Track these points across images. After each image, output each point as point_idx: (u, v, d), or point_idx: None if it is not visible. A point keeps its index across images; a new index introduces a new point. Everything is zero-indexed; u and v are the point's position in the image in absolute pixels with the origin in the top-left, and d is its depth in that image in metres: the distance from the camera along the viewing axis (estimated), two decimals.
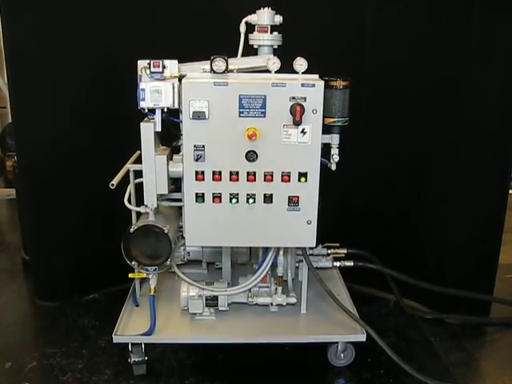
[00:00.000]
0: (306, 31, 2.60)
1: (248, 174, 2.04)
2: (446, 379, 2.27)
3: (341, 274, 2.75)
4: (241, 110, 1.98)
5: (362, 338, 2.23)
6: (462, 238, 2.66)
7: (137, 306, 2.42)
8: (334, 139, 2.10)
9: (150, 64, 2.03)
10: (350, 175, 2.69)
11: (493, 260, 2.68)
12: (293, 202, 2.07)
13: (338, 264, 2.60)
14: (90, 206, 2.74)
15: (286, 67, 2.08)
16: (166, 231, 2.19)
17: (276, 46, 2.28)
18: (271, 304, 2.34)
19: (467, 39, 2.42)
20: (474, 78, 2.44)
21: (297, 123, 1.97)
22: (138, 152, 2.45)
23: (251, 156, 2.02)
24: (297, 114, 1.94)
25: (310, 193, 2.07)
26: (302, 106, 1.95)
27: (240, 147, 2.01)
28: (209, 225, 2.09)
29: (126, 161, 2.35)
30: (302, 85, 1.96)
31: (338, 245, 2.69)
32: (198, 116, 1.97)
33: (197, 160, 2.01)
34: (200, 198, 2.06)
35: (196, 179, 2.04)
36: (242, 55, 2.29)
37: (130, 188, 2.31)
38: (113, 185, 2.12)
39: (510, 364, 2.42)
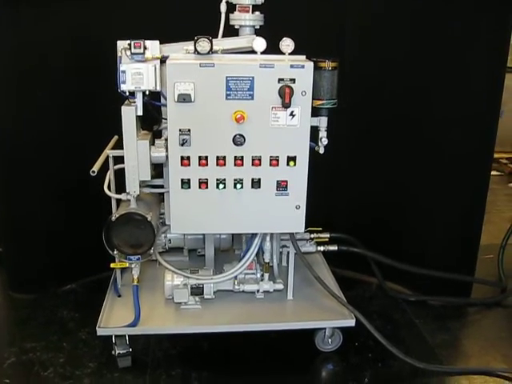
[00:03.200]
0: (288, 11, 2.53)
1: (235, 158, 1.98)
2: (432, 361, 2.28)
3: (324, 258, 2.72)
4: (228, 93, 1.91)
5: (351, 322, 2.21)
6: (443, 220, 2.67)
7: (119, 296, 2.34)
8: (322, 122, 2.05)
9: (130, 45, 1.94)
10: (334, 159, 2.65)
11: (474, 242, 2.70)
12: (281, 186, 2.02)
13: (321, 248, 2.56)
14: (64, 195, 2.63)
15: (271, 48, 2.02)
16: (149, 218, 2.12)
17: (258, 27, 2.21)
18: (257, 291, 2.30)
19: (449, 28, 2.39)
20: (455, 66, 2.42)
21: (286, 105, 1.91)
22: (116, 137, 2.37)
23: (239, 140, 1.95)
24: (286, 96, 1.89)
25: (298, 177, 2.02)
26: (291, 88, 1.90)
27: (227, 131, 1.95)
28: (195, 212, 2.03)
29: (102, 146, 2.25)
30: (291, 66, 1.91)
31: (320, 229, 2.65)
32: (184, 99, 1.90)
33: (182, 145, 1.94)
34: (186, 184, 1.99)
35: (181, 165, 1.97)
36: (222, 36, 2.21)
37: (110, 175, 2.21)
38: (94, 172, 2.03)
39: (492, 343, 2.45)
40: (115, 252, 2.17)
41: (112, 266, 2.23)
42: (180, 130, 1.93)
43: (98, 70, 2.36)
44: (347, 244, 2.65)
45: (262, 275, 2.32)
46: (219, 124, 1.93)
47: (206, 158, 1.96)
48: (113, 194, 2.20)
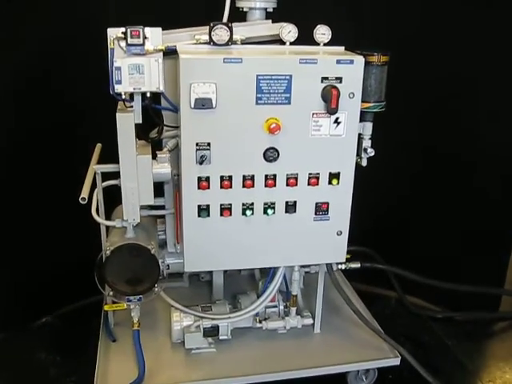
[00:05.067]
0: None
1: (266, 177, 1.59)
2: None
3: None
4: (259, 96, 1.50)
5: (396, 361, 1.89)
6: (470, 229, 2.40)
7: (113, 341, 1.91)
8: (367, 129, 1.68)
9: (126, 33, 1.50)
10: None
11: (504, 253, 2.43)
12: (321, 209, 1.65)
13: (342, 267, 2.20)
14: (34, 213, 2.18)
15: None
16: (152, 251, 1.69)
17: (271, 9, 1.82)
18: (284, 327, 1.93)
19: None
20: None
21: (332, 111, 1.52)
22: (99, 145, 1.92)
23: (271, 155, 1.55)
24: (333, 99, 1.50)
25: (342, 198, 1.65)
26: (337, 90, 1.50)
27: (257, 144, 1.55)
28: (215, 245, 1.63)
29: (82, 155, 1.82)
30: (338, 61, 1.51)
31: None
32: (203, 104, 1.47)
33: (201, 163, 1.52)
34: (204, 211, 1.58)
35: (199, 187, 1.56)
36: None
37: (98, 195, 1.77)
38: (84, 199, 1.58)
39: None
40: (109, 292, 1.74)
41: (106, 308, 1.82)
42: (197, 145, 1.51)
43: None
44: (366, 258, 2.31)
45: (286, 306, 1.95)
46: (247, 135, 1.53)
47: (230, 178, 1.56)
48: (104, 221, 1.75)
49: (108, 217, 1.85)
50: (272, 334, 1.98)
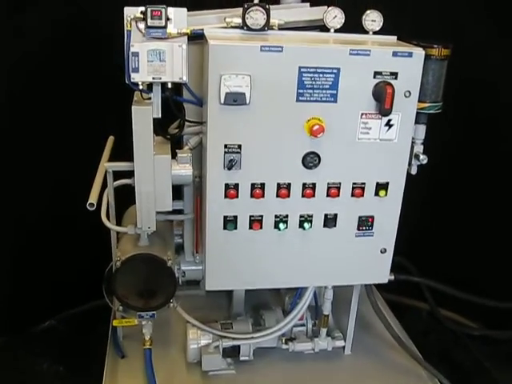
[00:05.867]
0: None
1: (304, 186, 1.37)
2: None
3: None
4: (300, 91, 1.28)
5: None
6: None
7: (122, 357, 1.72)
8: (420, 132, 1.45)
9: (145, 13, 1.27)
10: None
11: None
12: (365, 224, 1.43)
13: None
14: (37, 214, 2.01)
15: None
16: (169, 263, 1.49)
17: None
18: (313, 349, 1.72)
19: None
20: None
21: (385, 113, 1.30)
22: (112, 138, 1.72)
23: (311, 160, 1.34)
24: (387, 98, 1.27)
25: (389, 211, 1.44)
26: (393, 87, 1.27)
27: (296, 147, 1.33)
28: (242, 261, 1.42)
29: (93, 149, 1.60)
30: (395, 53, 1.27)
31: None
32: (234, 100, 1.25)
33: (229, 168, 1.30)
34: (231, 223, 1.37)
35: (226, 196, 1.34)
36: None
37: (108, 196, 1.55)
38: (92, 205, 1.37)
39: None
40: (118, 306, 1.55)
41: (115, 324, 1.62)
42: (226, 147, 1.29)
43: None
44: (399, 267, 2.09)
45: (315, 324, 1.75)
46: (285, 137, 1.31)
47: (263, 186, 1.35)
48: (114, 227, 1.55)
49: (119, 217, 1.65)
50: (298, 354, 1.77)
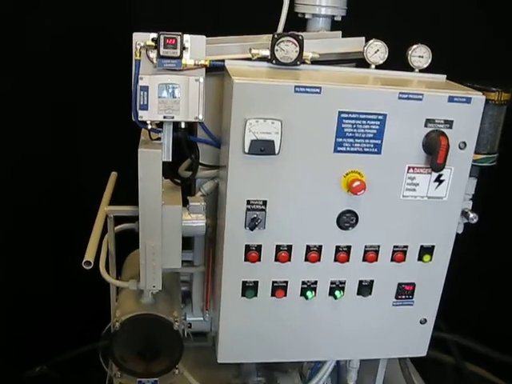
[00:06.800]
0: None
1: (338, 249, 1.16)
2: None
3: None
4: (339, 140, 1.08)
5: None
6: None
7: None
8: (470, 187, 1.25)
9: (157, 41, 1.07)
10: None
11: None
12: (404, 292, 1.23)
13: None
14: (30, 254, 1.82)
15: None
16: (175, 326, 1.28)
17: (339, 18, 1.42)
18: None
19: None
20: None
21: (438, 168, 1.10)
22: (114, 174, 1.52)
23: (348, 220, 1.13)
24: (441, 150, 1.07)
25: (433, 278, 1.24)
26: (447, 138, 1.07)
27: (330, 205, 1.12)
28: (261, 332, 1.21)
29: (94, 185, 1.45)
30: (450, 99, 1.08)
31: None
32: (262, 149, 1.05)
33: (252, 228, 1.09)
34: (250, 289, 1.17)
35: (246, 259, 1.13)
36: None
37: (108, 243, 1.35)
38: (89, 263, 1.16)
39: None
40: (115, 371, 1.34)
41: None
42: (249, 203, 1.09)
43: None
44: None
45: None
46: (318, 193, 1.11)
47: (290, 248, 1.14)
48: (114, 281, 1.34)
49: (120, 263, 1.45)
50: None
